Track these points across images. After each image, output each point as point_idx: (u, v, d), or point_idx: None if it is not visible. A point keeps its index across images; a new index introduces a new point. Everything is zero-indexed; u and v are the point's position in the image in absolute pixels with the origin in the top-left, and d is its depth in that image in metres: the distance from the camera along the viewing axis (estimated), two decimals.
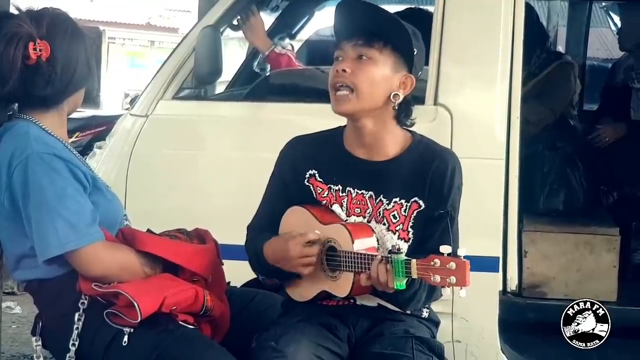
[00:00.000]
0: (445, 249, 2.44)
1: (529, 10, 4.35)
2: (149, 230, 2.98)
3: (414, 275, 2.48)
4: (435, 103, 3.88)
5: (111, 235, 2.80)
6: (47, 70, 2.71)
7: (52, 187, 2.66)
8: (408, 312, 2.82)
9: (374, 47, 2.70)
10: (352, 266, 2.63)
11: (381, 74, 2.71)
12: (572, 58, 5.35)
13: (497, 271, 3.89)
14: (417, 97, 3.02)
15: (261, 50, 4.58)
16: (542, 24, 5.38)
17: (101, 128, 8.48)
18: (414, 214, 2.77)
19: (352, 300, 2.81)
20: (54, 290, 2.78)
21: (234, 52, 6.09)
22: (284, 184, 2.89)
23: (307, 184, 2.85)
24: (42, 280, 2.80)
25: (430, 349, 2.79)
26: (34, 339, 2.85)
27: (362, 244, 2.68)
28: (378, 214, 2.78)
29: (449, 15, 3.91)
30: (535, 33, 4.63)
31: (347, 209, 2.81)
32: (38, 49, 2.70)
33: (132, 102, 4.83)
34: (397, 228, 2.77)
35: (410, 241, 2.76)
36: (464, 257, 2.43)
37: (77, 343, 2.73)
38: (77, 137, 8.62)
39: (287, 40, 4.95)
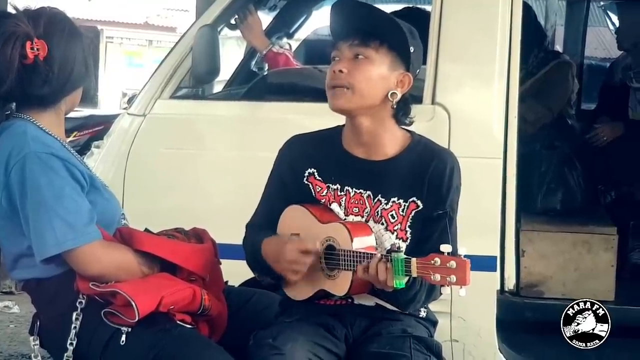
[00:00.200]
0: (445, 247, 2.44)
1: (527, 9, 4.35)
2: (146, 230, 2.98)
3: (414, 274, 2.48)
4: (433, 102, 3.88)
5: (109, 235, 2.80)
6: (44, 69, 2.71)
7: (50, 186, 2.66)
8: (406, 312, 2.82)
9: (370, 47, 2.70)
10: (351, 265, 2.63)
11: (378, 73, 2.71)
12: (570, 57, 5.35)
13: (495, 270, 3.89)
14: (414, 96, 3.02)
15: (259, 49, 4.58)
16: (540, 23, 5.38)
17: (99, 127, 8.48)
18: (412, 213, 2.77)
19: (349, 300, 2.81)
20: (51, 289, 2.78)
21: (231, 51, 6.09)
22: (282, 183, 2.89)
23: (306, 182, 2.85)
24: (39, 280, 2.80)
25: (428, 348, 2.79)
26: (31, 338, 2.85)
27: (361, 243, 2.68)
28: (376, 214, 2.78)
29: (447, 15, 3.91)
30: (532, 32, 4.63)
31: (345, 208, 2.81)
32: (35, 48, 2.70)
33: (130, 101, 4.83)
34: (395, 228, 2.77)
35: (408, 241, 2.76)
36: (464, 256, 2.43)
37: (74, 342, 2.73)
38: (74, 136, 8.62)
39: (284, 40, 4.95)
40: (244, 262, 2.91)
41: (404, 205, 2.77)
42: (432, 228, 2.75)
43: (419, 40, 2.80)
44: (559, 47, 6.54)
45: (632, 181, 4.99)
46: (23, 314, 5.81)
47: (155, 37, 24.69)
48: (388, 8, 5.16)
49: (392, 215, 2.77)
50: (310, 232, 2.74)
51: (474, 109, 3.90)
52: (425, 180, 2.77)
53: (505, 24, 3.89)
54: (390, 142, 2.80)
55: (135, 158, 4.07)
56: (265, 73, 4.66)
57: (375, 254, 2.59)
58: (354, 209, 2.80)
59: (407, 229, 2.77)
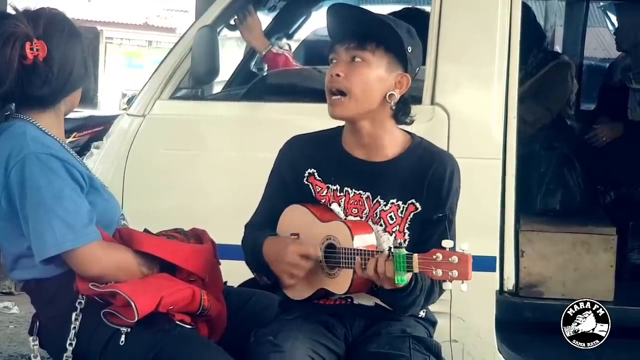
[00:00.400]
0: (447, 243, 2.45)
1: (526, 10, 4.36)
2: (146, 230, 2.98)
3: (416, 270, 2.48)
4: (433, 103, 3.89)
5: (108, 235, 2.80)
6: (44, 70, 2.71)
7: (49, 187, 2.66)
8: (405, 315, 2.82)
9: (367, 49, 2.70)
10: (351, 263, 2.64)
11: (375, 75, 2.71)
12: (569, 58, 5.35)
13: (494, 271, 3.89)
14: (414, 97, 3.02)
15: (258, 50, 4.58)
16: (539, 23, 5.38)
17: (98, 128, 8.49)
18: (411, 215, 2.77)
19: (349, 300, 2.81)
20: (51, 290, 2.78)
21: (231, 52, 6.09)
22: (283, 183, 2.89)
23: (306, 182, 2.85)
24: (39, 280, 2.80)
25: (427, 348, 2.79)
26: (31, 338, 2.85)
27: (362, 241, 2.68)
28: (375, 215, 2.78)
29: (446, 15, 3.91)
30: (532, 33, 4.64)
31: (344, 209, 2.81)
32: (35, 49, 2.70)
33: (130, 102, 4.84)
34: (394, 229, 2.77)
35: (406, 243, 2.75)
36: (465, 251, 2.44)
37: (74, 343, 2.73)
38: (74, 137, 8.62)
39: (284, 40, 4.96)
40: (243, 262, 2.92)
41: (403, 207, 2.78)
42: (432, 231, 2.75)
43: (418, 40, 2.79)
44: (558, 48, 6.54)
45: (632, 182, 4.99)
46: (22, 314, 5.81)
47: (154, 38, 24.70)
48: (387, 9, 5.18)
49: (390, 217, 2.78)
50: (311, 231, 2.75)
51: (473, 109, 3.90)
52: (425, 183, 2.77)
53: (505, 25, 3.89)
54: (390, 143, 2.80)
55: (134, 159, 4.07)
56: (265, 74, 4.66)
57: (378, 251, 2.59)
58: (353, 209, 2.80)
59: (406, 230, 2.77)
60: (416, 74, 2.83)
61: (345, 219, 2.78)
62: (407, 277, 2.53)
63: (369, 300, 2.81)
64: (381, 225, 2.77)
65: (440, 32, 3.91)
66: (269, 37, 4.64)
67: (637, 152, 4.81)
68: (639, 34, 5.31)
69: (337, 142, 2.86)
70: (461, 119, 3.87)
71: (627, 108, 5.36)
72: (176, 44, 4.29)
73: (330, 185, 2.83)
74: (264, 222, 2.89)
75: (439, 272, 2.44)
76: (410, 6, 5.45)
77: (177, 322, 2.74)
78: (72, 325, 2.73)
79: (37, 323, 2.86)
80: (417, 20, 3.36)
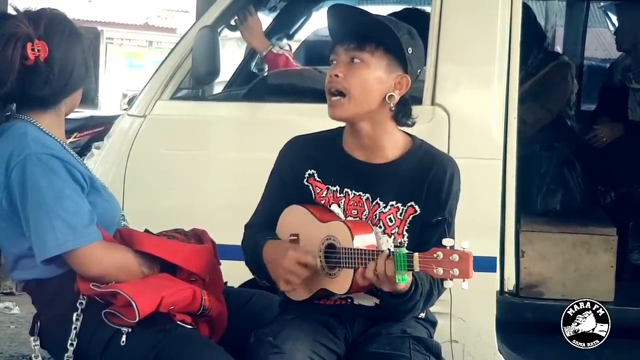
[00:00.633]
0: (447, 241, 2.45)
1: (527, 10, 4.36)
2: (146, 231, 2.98)
3: (417, 268, 2.48)
4: (433, 103, 3.89)
5: (109, 236, 2.80)
6: (44, 70, 2.71)
7: (50, 187, 2.66)
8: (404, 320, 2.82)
9: (366, 50, 2.70)
10: (352, 263, 2.64)
11: (374, 77, 2.71)
12: (569, 58, 5.35)
13: (495, 271, 3.89)
14: (414, 98, 3.02)
15: (259, 50, 4.58)
16: (540, 23, 5.38)
17: (99, 128, 8.48)
18: (410, 218, 2.78)
19: (349, 300, 2.81)
20: (52, 290, 2.79)
21: (231, 53, 6.09)
22: (283, 184, 2.89)
23: (306, 183, 2.86)
24: (40, 280, 2.80)
25: (427, 348, 2.79)
26: (32, 338, 2.86)
27: (362, 241, 2.68)
28: (374, 217, 2.79)
29: (446, 16, 3.92)
30: (532, 33, 4.64)
31: (344, 210, 2.81)
32: (36, 50, 2.70)
33: (130, 102, 4.84)
34: (393, 231, 2.77)
35: (405, 245, 2.75)
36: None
37: (75, 343, 2.73)
38: (75, 137, 8.62)
39: (284, 41, 4.96)
40: (244, 263, 2.92)
41: (402, 210, 2.78)
42: (431, 233, 2.75)
43: (419, 41, 2.79)
44: (559, 48, 6.54)
45: (632, 182, 4.99)
46: (23, 315, 5.81)
47: (155, 38, 24.67)
48: (388, 9, 5.18)
49: (389, 219, 2.78)
50: (311, 231, 2.75)
51: (474, 110, 3.91)
52: (425, 186, 2.77)
53: (505, 25, 3.89)
54: (390, 145, 2.81)
55: (135, 159, 4.08)
56: (265, 74, 4.66)
57: (378, 251, 2.59)
58: (353, 211, 2.80)
59: (405, 233, 2.77)
60: (418, 75, 2.84)
61: (345, 219, 2.79)
62: (408, 276, 2.53)
63: (369, 301, 2.81)
64: (380, 227, 2.78)
65: (440, 33, 3.91)
66: (269, 38, 4.64)
67: (638, 152, 4.81)
68: (639, 34, 5.31)
69: (337, 143, 2.86)
70: (461, 119, 3.87)
71: (628, 108, 5.36)
72: (177, 44, 4.30)
73: (330, 186, 2.83)
74: (263, 222, 2.89)
75: (440, 270, 2.44)
76: (410, 6, 5.45)
77: (178, 322, 2.75)
78: (73, 326, 2.74)
79: (38, 323, 2.86)
80: (418, 21, 3.36)
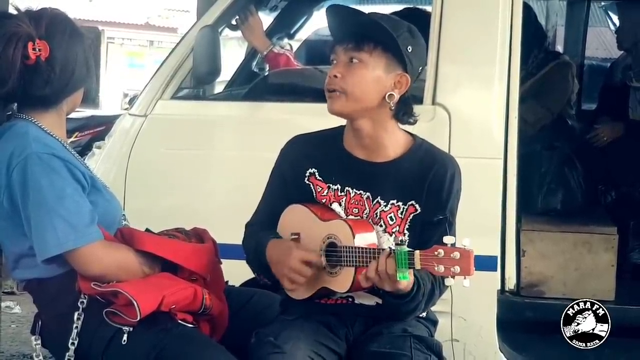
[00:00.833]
0: (448, 239, 2.45)
1: (527, 10, 4.36)
2: (147, 230, 2.98)
3: (418, 266, 2.48)
4: (434, 103, 3.89)
5: (110, 235, 2.80)
6: (46, 70, 2.72)
7: (51, 187, 2.67)
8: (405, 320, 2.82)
9: (364, 50, 2.70)
10: (353, 261, 2.64)
11: (372, 76, 2.71)
12: (570, 57, 5.36)
13: (495, 270, 3.90)
14: (415, 97, 3.03)
15: (260, 50, 4.58)
16: (541, 23, 5.39)
17: (100, 128, 8.50)
18: (410, 217, 2.78)
19: (350, 299, 2.82)
20: (53, 289, 2.79)
21: (232, 52, 6.09)
22: (284, 182, 2.89)
23: (307, 182, 2.86)
24: (41, 280, 2.80)
25: (429, 347, 2.79)
26: (33, 338, 2.86)
27: (363, 239, 2.68)
28: (375, 215, 2.79)
29: (447, 15, 3.92)
30: (533, 33, 4.64)
31: (345, 209, 2.81)
32: (37, 49, 2.70)
33: (131, 102, 4.84)
34: (394, 230, 2.77)
35: (406, 243, 2.75)
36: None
37: (76, 342, 2.73)
38: (76, 137, 8.63)
39: (285, 40, 4.96)
40: (245, 262, 2.92)
41: (403, 208, 2.78)
42: (432, 232, 2.75)
43: (420, 39, 2.79)
44: (559, 48, 6.54)
45: (633, 181, 4.99)
46: (24, 314, 5.81)
47: (156, 38, 24.67)
48: (389, 9, 5.18)
49: (390, 218, 2.78)
50: (312, 230, 2.75)
51: (475, 109, 3.91)
52: (425, 185, 2.77)
53: (506, 25, 3.90)
54: (391, 144, 2.81)
55: (136, 158, 4.08)
56: (266, 74, 4.66)
57: (379, 249, 2.60)
58: (354, 209, 2.81)
59: (405, 231, 2.77)
60: (420, 73, 2.84)
61: (346, 218, 2.79)
62: (409, 273, 2.53)
63: (370, 300, 2.81)
64: (381, 225, 2.78)
65: (441, 32, 3.91)
66: (270, 37, 4.64)
67: (638, 151, 4.81)
68: (639, 32, 5.31)
69: (338, 142, 2.86)
70: (462, 118, 3.87)
71: (628, 107, 5.36)
72: (178, 44, 4.30)
73: (331, 185, 2.83)
74: (264, 221, 2.90)
75: (441, 268, 2.44)
76: (411, 6, 5.45)
77: (179, 321, 2.75)
78: (74, 325, 2.74)
79: (39, 322, 2.86)
80: (419, 20, 3.35)
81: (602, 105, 5.71)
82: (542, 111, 4.75)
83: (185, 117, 4.15)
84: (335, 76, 2.72)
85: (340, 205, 2.81)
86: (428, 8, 4.53)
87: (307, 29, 5.70)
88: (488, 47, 3.90)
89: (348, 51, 2.72)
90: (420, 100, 3.80)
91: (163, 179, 4.08)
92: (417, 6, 5.50)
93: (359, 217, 2.79)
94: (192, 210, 3.93)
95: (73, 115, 3.12)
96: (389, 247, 2.60)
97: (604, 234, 4.15)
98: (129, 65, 23.92)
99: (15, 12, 2.80)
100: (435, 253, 2.45)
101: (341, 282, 2.71)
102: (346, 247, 2.67)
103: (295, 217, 2.81)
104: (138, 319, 2.65)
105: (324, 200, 2.83)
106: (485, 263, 3.74)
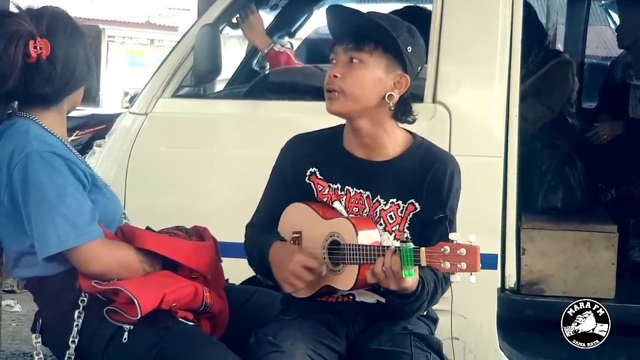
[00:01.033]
0: (454, 236, 2.46)
1: (528, 8, 4.36)
2: (148, 228, 2.98)
3: (423, 263, 2.48)
4: (434, 101, 3.90)
5: (110, 233, 2.81)
6: (47, 68, 2.72)
7: (52, 185, 2.67)
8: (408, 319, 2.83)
9: (364, 50, 2.70)
10: (356, 259, 2.64)
11: (372, 77, 2.71)
12: (570, 56, 5.36)
13: (496, 268, 3.90)
14: (415, 95, 3.02)
15: (260, 48, 4.59)
16: (541, 21, 5.38)
17: (101, 126, 8.50)
18: (410, 215, 2.78)
19: (351, 297, 2.82)
20: (53, 287, 2.79)
21: (233, 51, 6.09)
22: (284, 182, 2.89)
23: (308, 181, 2.86)
24: (41, 278, 2.81)
25: (429, 345, 2.79)
26: (33, 336, 2.86)
27: (366, 236, 2.68)
28: (375, 214, 2.79)
29: (448, 14, 3.92)
30: (533, 31, 4.64)
31: (345, 207, 2.81)
32: (38, 47, 2.70)
33: (132, 100, 4.85)
34: (394, 229, 2.78)
35: (409, 239, 2.76)
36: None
37: (77, 340, 2.74)
38: (76, 135, 8.63)
39: (286, 39, 4.96)
40: (245, 260, 2.92)
41: (403, 207, 2.78)
42: (432, 231, 2.75)
43: (419, 39, 2.78)
44: (560, 46, 6.54)
45: (633, 179, 4.99)
46: (25, 312, 5.82)
47: (156, 36, 24.67)
48: (389, 7, 5.18)
49: (390, 216, 2.78)
50: (314, 228, 2.75)
51: (475, 107, 3.92)
52: (425, 184, 2.77)
53: (506, 23, 3.90)
54: (390, 143, 2.80)
55: (137, 157, 4.08)
56: (267, 72, 4.66)
57: (383, 247, 2.60)
58: (354, 208, 2.81)
59: (405, 230, 2.78)
60: (418, 73, 2.83)
61: (348, 216, 2.79)
62: (415, 271, 2.53)
63: (370, 298, 2.81)
64: (381, 224, 2.78)
65: (442, 31, 3.92)
66: (271, 36, 4.65)
67: (638, 149, 4.81)
68: (639, 31, 5.31)
69: (337, 141, 2.86)
70: (463, 117, 3.88)
71: (628, 106, 5.36)
72: (178, 42, 4.31)
73: (331, 184, 2.84)
74: (265, 221, 2.89)
75: (447, 264, 2.44)
76: (412, 4, 5.46)
77: (180, 319, 2.75)
78: (75, 323, 2.74)
79: (40, 321, 2.86)
80: (419, 19, 3.36)
81: (602, 103, 5.71)
82: (543, 109, 4.76)
83: (186, 115, 4.15)
84: (335, 76, 2.72)
85: (340, 203, 2.81)
86: (429, 6, 4.53)
87: (307, 28, 5.70)
88: (488, 45, 3.91)
89: (348, 51, 2.72)
90: (420, 99, 3.80)
91: (163, 178, 4.09)
92: (418, 4, 5.50)
93: (359, 216, 2.79)
94: (193, 208, 3.94)
95: (74, 113, 3.12)
96: (395, 246, 2.59)
97: (604, 232, 4.15)
98: (130, 64, 23.93)
99: (16, 11, 2.80)
100: (442, 250, 2.45)
101: (344, 280, 2.71)
102: (349, 245, 2.66)
103: (297, 216, 2.81)
104: (139, 317, 2.66)
105: (325, 199, 2.83)
106: (485, 261, 3.68)
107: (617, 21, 5.97)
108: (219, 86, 5.05)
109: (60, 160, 2.71)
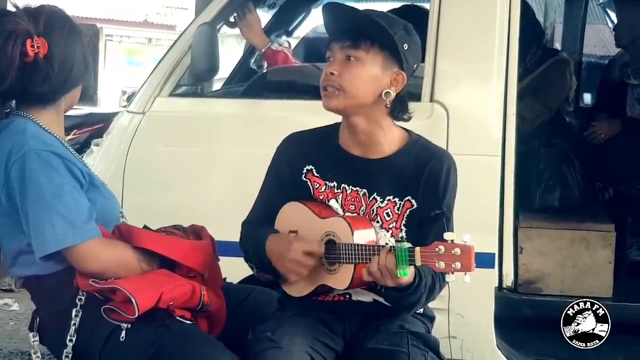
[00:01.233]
0: (449, 235, 2.46)
1: (525, 7, 4.36)
2: (145, 227, 2.98)
3: (418, 263, 2.49)
4: (432, 100, 3.90)
5: (108, 232, 2.81)
6: (44, 67, 2.72)
7: (49, 183, 2.67)
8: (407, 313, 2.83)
9: (361, 48, 2.70)
10: (352, 258, 2.64)
11: (369, 74, 2.71)
12: (568, 54, 5.35)
13: (493, 267, 3.90)
14: (413, 94, 3.03)
15: (258, 47, 4.59)
16: (538, 20, 5.38)
17: (98, 125, 8.47)
18: (407, 212, 2.78)
19: (347, 296, 2.82)
20: (51, 286, 2.79)
21: (230, 49, 6.09)
22: (280, 180, 2.89)
23: (304, 179, 2.86)
24: (39, 277, 2.80)
25: (426, 344, 2.79)
26: (31, 334, 2.86)
27: (362, 236, 2.69)
28: (372, 212, 2.79)
29: (445, 12, 3.92)
30: (531, 30, 4.64)
31: (342, 205, 2.81)
32: (36, 46, 2.70)
33: (129, 99, 4.84)
34: (390, 226, 2.78)
35: (403, 239, 2.76)
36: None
37: (74, 339, 2.74)
38: (74, 134, 8.61)
39: (283, 37, 4.97)
40: (242, 259, 2.92)
41: (399, 204, 2.78)
42: (429, 228, 2.76)
43: (415, 36, 2.79)
44: (557, 45, 6.54)
45: (630, 178, 4.99)
46: (22, 311, 5.81)
47: (154, 35, 24.64)
48: (387, 6, 5.18)
49: (387, 214, 2.79)
50: (310, 228, 2.76)
51: (473, 106, 3.92)
52: (421, 181, 2.77)
53: (504, 22, 3.90)
54: (386, 141, 2.81)
55: (134, 155, 4.08)
56: (264, 71, 4.67)
57: (379, 246, 2.60)
58: (351, 206, 2.81)
59: (402, 227, 2.78)
60: (414, 70, 2.83)
61: (344, 215, 2.79)
62: (410, 270, 2.54)
63: (367, 297, 2.81)
64: (378, 221, 2.78)
65: (439, 29, 3.92)
66: (268, 35, 4.65)
67: (636, 148, 4.82)
68: (637, 29, 5.31)
69: (334, 139, 2.86)
70: (460, 115, 3.88)
71: (626, 104, 5.36)
72: (176, 41, 4.30)
73: (327, 182, 2.84)
74: (261, 219, 2.90)
75: (442, 264, 2.45)
76: (409, 3, 5.45)
77: (178, 318, 2.75)
78: (72, 322, 2.74)
79: (37, 319, 2.86)
80: (417, 18, 3.37)
81: (600, 102, 5.71)
82: (540, 108, 4.76)
83: (183, 114, 4.15)
84: (332, 73, 2.72)
85: (337, 201, 2.81)
86: (426, 5, 4.53)
87: (305, 27, 5.70)
88: (486, 44, 3.91)
89: (345, 49, 2.72)
90: (418, 98, 3.81)
91: (161, 176, 4.08)
92: (416, 3, 5.50)
93: (356, 214, 2.80)
94: (190, 207, 3.94)
95: (71, 112, 3.12)
96: (391, 245, 2.59)
97: (602, 231, 4.15)
98: (127, 63, 23.89)
99: (13, 9, 2.80)
100: (436, 249, 2.46)
101: (340, 279, 2.71)
102: (345, 245, 2.67)
103: (292, 215, 2.82)
104: (136, 315, 2.66)
105: (321, 197, 2.83)
106: (482, 260, 3.70)
107: (615, 20, 5.97)
108: (217, 85, 5.04)
109: (57, 159, 2.71)
